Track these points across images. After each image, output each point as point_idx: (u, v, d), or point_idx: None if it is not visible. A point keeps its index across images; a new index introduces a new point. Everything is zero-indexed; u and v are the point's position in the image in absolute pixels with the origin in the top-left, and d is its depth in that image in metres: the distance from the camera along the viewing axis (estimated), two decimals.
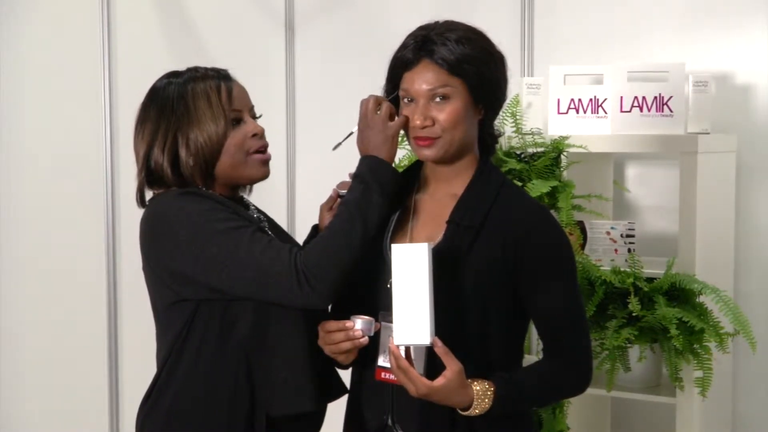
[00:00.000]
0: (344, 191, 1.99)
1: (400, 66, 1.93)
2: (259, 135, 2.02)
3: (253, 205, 2.15)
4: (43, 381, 4.11)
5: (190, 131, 1.97)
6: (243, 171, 2.01)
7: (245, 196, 2.15)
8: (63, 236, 4.03)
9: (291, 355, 1.98)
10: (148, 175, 2.02)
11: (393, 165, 1.96)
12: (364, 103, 1.97)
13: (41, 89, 4.05)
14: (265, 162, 2.04)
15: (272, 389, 1.97)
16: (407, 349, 1.82)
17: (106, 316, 3.95)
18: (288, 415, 1.99)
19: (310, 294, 1.87)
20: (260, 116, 2.07)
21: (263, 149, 2.03)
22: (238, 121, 2.01)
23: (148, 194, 2.07)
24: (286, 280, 1.86)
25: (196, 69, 2.04)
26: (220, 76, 2.02)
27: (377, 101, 1.96)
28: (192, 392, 1.98)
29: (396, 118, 1.96)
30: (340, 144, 2.07)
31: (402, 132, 1.97)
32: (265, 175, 2.05)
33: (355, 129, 1.99)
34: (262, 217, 2.13)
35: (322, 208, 2.07)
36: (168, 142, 1.98)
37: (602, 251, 2.91)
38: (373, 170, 1.92)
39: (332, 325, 1.90)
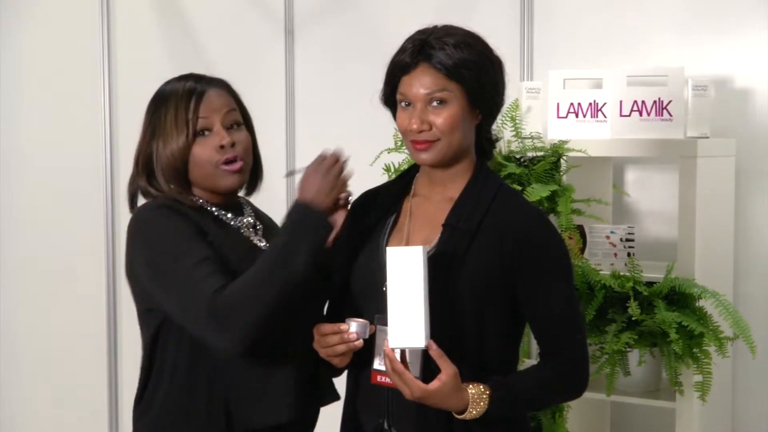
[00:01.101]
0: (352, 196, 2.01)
1: (397, 70, 1.93)
2: (227, 146, 2.00)
3: (250, 208, 2.14)
4: (43, 382, 4.11)
5: (159, 142, 2.00)
6: (215, 182, 2.02)
7: (244, 197, 2.15)
8: (63, 238, 4.04)
9: (265, 367, 1.99)
10: (134, 180, 2.06)
11: (326, 216, 1.94)
12: (323, 152, 1.97)
13: (42, 93, 4.06)
14: (233, 171, 2.02)
15: (247, 402, 1.97)
16: (402, 352, 1.82)
17: (106, 318, 3.95)
18: (268, 426, 1.99)
19: (219, 337, 1.87)
20: (233, 126, 2.04)
21: (233, 159, 2.01)
22: (205, 132, 2.00)
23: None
24: (202, 319, 1.87)
25: (188, 78, 2.05)
26: (195, 88, 2.02)
27: (336, 157, 1.96)
28: (171, 406, 2.00)
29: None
30: (293, 173, 2.07)
31: (398, 135, 1.97)
32: (236, 185, 2.05)
33: (303, 168, 1.99)
34: (257, 223, 2.11)
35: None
36: (144, 151, 2.02)
37: (602, 255, 2.91)
38: (306, 218, 1.92)
39: (327, 327, 1.91)
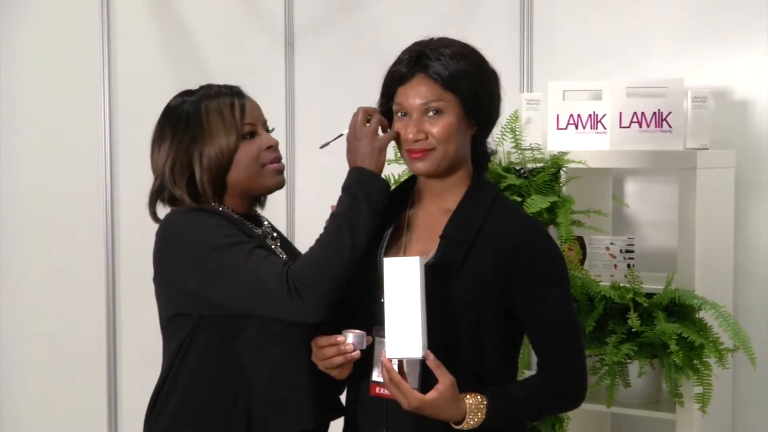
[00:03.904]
0: None
1: (394, 80, 1.95)
2: (274, 147, 2.07)
3: (268, 221, 2.17)
4: (42, 390, 4.12)
5: (204, 147, 2.02)
6: (259, 182, 2.06)
7: (260, 211, 2.17)
8: (62, 244, 4.05)
9: (291, 374, 2.00)
10: (161, 191, 2.06)
11: (381, 176, 1.96)
12: (354, 115, 1.99)
13: (41, 99, 4.08)
14: (280, 171, 2.08)
15: (271, 408, 1.98)
16: (400, 362, 1.82)
17: (105, 319, 3.96)
18: None
19: (301, 306, 1.88)
20: (273, 129, 2.12)
21: (277, 161, 2.08)
22: (252, 135, 2.05)
23: (160, 208, 2.11)
24: (278, 294, 1.88)
25: (209, 87, 2.09)
26: (233, 93, 2.07)
27: (367, 113, 1.97)
28: (189, 410, 2.01)
29: (388, 130, 1.98)
30: (328, 143, 2.09)
31: (395, 146, 1.98)
32: (280, 184, 2.09)
33: (345, 131, 2.00)
34: (274, 234, 2.15)
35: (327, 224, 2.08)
36: (183, 158, 2.03)
37: (602, 267, 2.90)
38: (360, 182, 1.93)
39: (323, 340, 1.91)
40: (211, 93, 2.06)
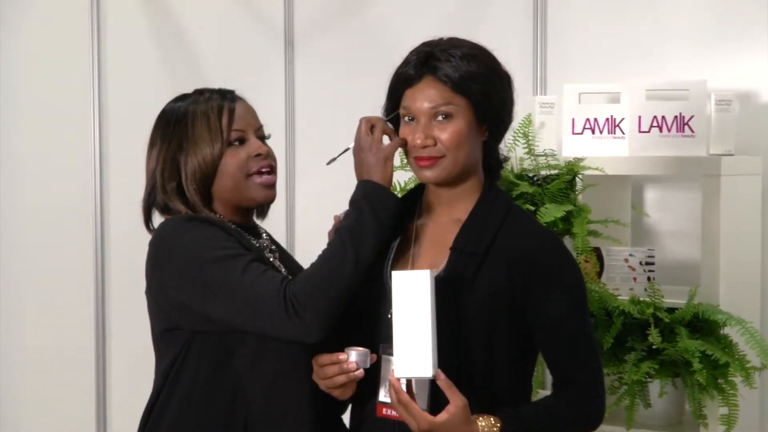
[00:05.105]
0: None
1: (401, 82, 1.91)
2: (263, 155, 2.02)
3: (266, 234, 2.13)
4: (41, 393, 4.12)
5: (188, 155, 1.99)
6: (246, 194, 2.01)
7: (259, 223, 2.13)
8: (54, 250, 4.06)
9: (291, 391, 1.97)
10: (153, 197, 2.03)
11: (389, 188, 1.92)
12: (358, 127, 1.95)
13: (36, 102, 4.08)
14: (268, 185, 2.03)
15: (269, 425, 1.96)
16: (409, 382, 1.79)
17: (94, 335, 3.96)
18: None
19: (299, 325, 1.83)
20: (269, 136, 2.08)
21: (267, 169, 2.02)
22: (241, 141, 2.01)
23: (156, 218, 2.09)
24: (275, 310, 1.84)
25: (201, 91, 2.06)
26: (224, 98, 2.04)
27: (369, 123, 1.93)
28: (185, 426, 1.97)
29: (394, 137, 1.94)
30: (334, 159, 2.04)
31: (402, 152, 1.94)
32: (267, 198, 2.05)
33: (352, 144, 1.96)
34: (273, 246, 2.11)
35: (330, 235, 2.04)
36: (171, 165, 2.00)
37: (620, 279, 2.85)
38: (366, 195, 1.89)
39: (325, 358, 1.87)
40: (201, 98, 2.03)
